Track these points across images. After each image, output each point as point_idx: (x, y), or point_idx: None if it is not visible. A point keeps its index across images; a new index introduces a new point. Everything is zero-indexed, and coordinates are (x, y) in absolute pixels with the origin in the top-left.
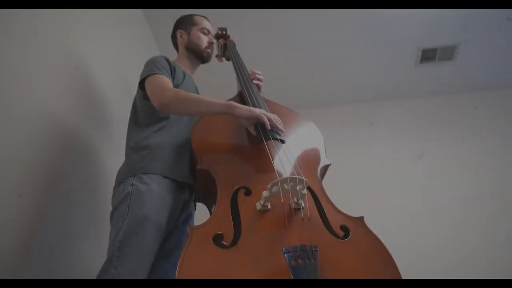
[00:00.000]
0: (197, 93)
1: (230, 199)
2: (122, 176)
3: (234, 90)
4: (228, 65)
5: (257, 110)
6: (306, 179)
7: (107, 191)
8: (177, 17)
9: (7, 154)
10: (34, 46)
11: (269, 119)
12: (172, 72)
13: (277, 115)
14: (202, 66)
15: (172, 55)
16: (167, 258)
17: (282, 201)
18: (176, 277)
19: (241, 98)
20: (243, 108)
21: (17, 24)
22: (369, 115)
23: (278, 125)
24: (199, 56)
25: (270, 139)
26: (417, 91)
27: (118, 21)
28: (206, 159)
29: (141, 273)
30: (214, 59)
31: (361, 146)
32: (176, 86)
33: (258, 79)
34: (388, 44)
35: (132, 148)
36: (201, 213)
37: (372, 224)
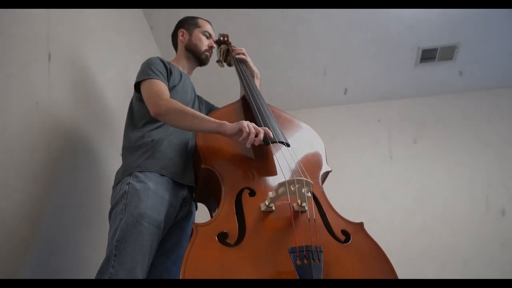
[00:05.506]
0: (194, 93)
1: (235, 199)
2: (120, 176)
3: (233, 92)
4: (227, 68)
5: (244, 123)
6: (312, 182)
7: (107, 191)
8: (177, 17)
9: (7, 154)
10: (35, 46)
11: (250, 132)
12: (168, 74)
13: (279, 121)
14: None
15: (172, 55)
16: (168, 256)
17: (289, 201)
18: (181, 272)
19: (244, 102)
20: (232, 124)
21: (17, 24)
22: (368, 115)
23: (253, 139)
24: (197, 58)
25: (276, 141)
26: (417, 91)
27: (118, 21)
28: (211, 159)
29: (140, 272)
30: (214, 63)
31: (361, 146)
32: (172, 87)
33: (243, 54)
34: (388, 44)
35: (128, 148)
36: (201, 213)
37: (371, 226)
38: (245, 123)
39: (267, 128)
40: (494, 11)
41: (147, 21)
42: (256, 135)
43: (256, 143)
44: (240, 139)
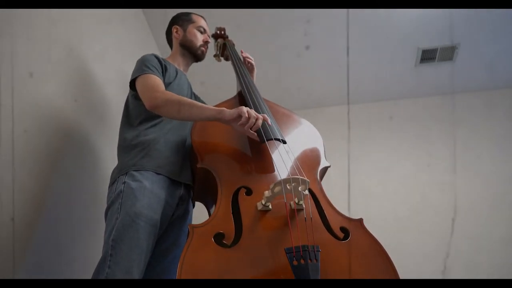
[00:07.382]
0: (191, 90)
1: (231, 199)
2: (115, 175)
3: (230, 89)
4: (225, 64)
5: (244, 108)
6: (309, 180)
7: (104, 190)
8: None
9: (5, 153)
10: (35, 45)
11: (249, 117)
12: (163, 71)
13: (277, 116)
14: (199, 63)
15: None
16: (165, 256)
17: (285, 201)
18: (177, 275)
19: (240, 98)
20: (231, 111)
21: (17, 24)
22: (369, 116)
23: (254, 124)
24: (193, 54)
25: (272, 139)
26: (417, 91)
27: (118, 20)
28: (207, 158)
29: (136, 271)
30: (210, 58)
31: (361, 146)
32: (168, 83)
33: (250, 61)
34: (388, 44)
35: (124, 147)
36: (199, 212)
37: (370, 225)
38: (245, 108)
39: (265, 115)
40: (494, 11)
41: (147, 21)
42: (256, 120)
43: (254, 130)
44: (239, 124)
